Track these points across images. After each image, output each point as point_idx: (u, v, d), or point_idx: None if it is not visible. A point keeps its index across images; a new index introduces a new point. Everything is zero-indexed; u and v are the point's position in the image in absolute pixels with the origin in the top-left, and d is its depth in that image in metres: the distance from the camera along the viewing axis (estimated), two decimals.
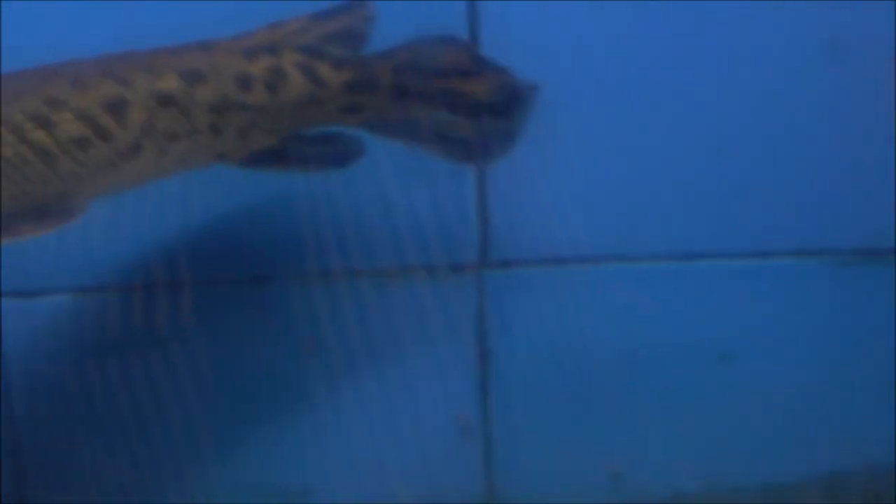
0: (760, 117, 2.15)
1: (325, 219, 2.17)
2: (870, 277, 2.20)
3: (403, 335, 2.21)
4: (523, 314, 2.22)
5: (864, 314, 2.21)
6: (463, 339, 2.22)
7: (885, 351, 2.21)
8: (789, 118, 2.15)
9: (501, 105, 1.96)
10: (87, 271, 2.20)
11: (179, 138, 1.83)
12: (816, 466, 2.26)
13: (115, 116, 1.79)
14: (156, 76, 1.81)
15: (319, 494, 2.29)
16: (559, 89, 2.10)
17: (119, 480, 2.27)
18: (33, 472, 2.28)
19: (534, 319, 2.22)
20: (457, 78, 1.96)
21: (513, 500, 2.28)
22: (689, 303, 2.23)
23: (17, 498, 2.28)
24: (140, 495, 2.28)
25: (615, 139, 2.17)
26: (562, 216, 2.18)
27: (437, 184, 2.15)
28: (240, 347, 2.23)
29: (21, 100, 1.75)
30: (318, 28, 1.93)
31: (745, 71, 2.13)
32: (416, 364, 2.23)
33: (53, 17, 2.09)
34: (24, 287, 2.21)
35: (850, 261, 2.20)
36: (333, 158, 2.02)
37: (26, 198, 1.77)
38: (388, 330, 2.21)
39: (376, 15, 1.95)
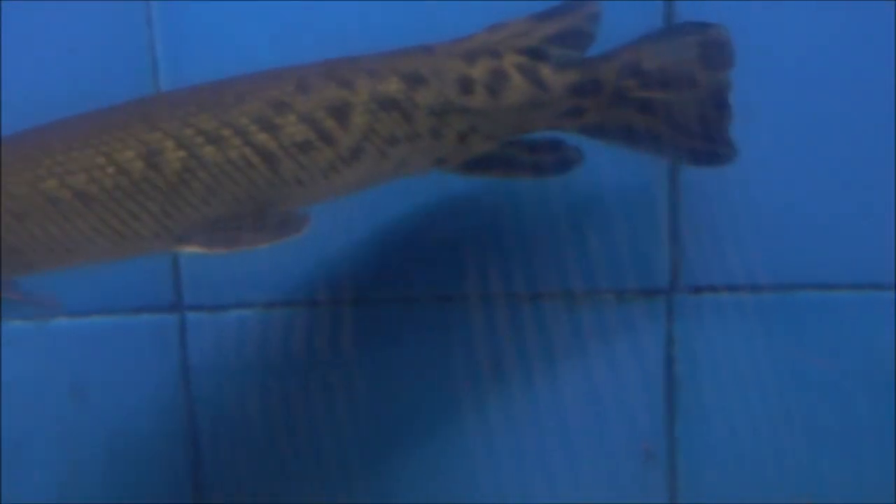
0: None
1: (513, 239, 2.15)
2: None
3: (591, 359, 2.18)
4: (713, 341, 2.16)
5: None
6: (651, 365, 2.17)
7: None
8: None
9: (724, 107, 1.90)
10: (275, 286, 2.20)
11: (400, 142, 1.81)
12: None
13: (338, 120, 1.78)
14: (378, 79, 1.80)
15: None
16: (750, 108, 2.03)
17: (296, 496, 2.27)
18: (213, 485, 2.29)
19: (723, 347, 2.16)
20: (681, 83, 1.89)
21: None
22: (877, 332, 2.15)
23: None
24: None
25: (809, 165, 2.10)
26: (753, 241, 2.13)
27: (629, 207, 2.11)
28: (422, 366, 2.20)
29: (245, 102, 1.76)
30: (541, 29, 1.89)
31: None
32: (603, 388, 2.18)
33: (274, 19, 2.09)
34: (211, 301, 2.21)
35: None
36: (553, 166, 1.98)
37: (248, 202, 1.77)
38: (576, 353, 2.17)
39: (601, 13, 1.90)
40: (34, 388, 2.25)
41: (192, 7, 2.11)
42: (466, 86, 1.83)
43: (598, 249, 2.13)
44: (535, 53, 1.87)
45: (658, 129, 1.90)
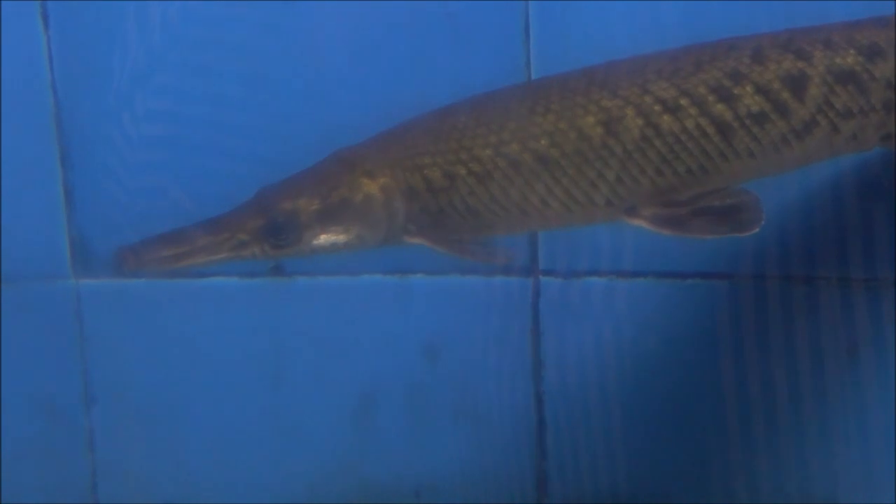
0: None
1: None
2: None
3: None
4: None
5: None
6: None
7: None
8: None
9: None
10: (625, 257, 2.21)
11: (854, 116, 1.79)
12: None
13: (794, 92, 1.76)
14: (835, 51, 1.78)
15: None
16: None
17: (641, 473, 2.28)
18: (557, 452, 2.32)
19: None
20: None
21: None
22: None
23: (539, 474, 2.33)
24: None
25: None
26: None
27: None
28: (784, 347, 2.18)
29: (703, 72, 1.76)
30: None
31: None
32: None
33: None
34: (564, 267, 2.24)
35: None
36: None
37: (700, 174, 1.77)
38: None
39: None
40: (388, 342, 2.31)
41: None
42: None
43: None
44: None
45: None
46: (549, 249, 2.23)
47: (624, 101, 1.75)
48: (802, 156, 1.81)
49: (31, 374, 2.37)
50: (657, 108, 1.75)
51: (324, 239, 1.80)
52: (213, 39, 2.22)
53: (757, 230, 1.74)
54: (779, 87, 1.75)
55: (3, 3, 2.21)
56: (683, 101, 1.74)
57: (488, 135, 1.77)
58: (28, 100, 2.25)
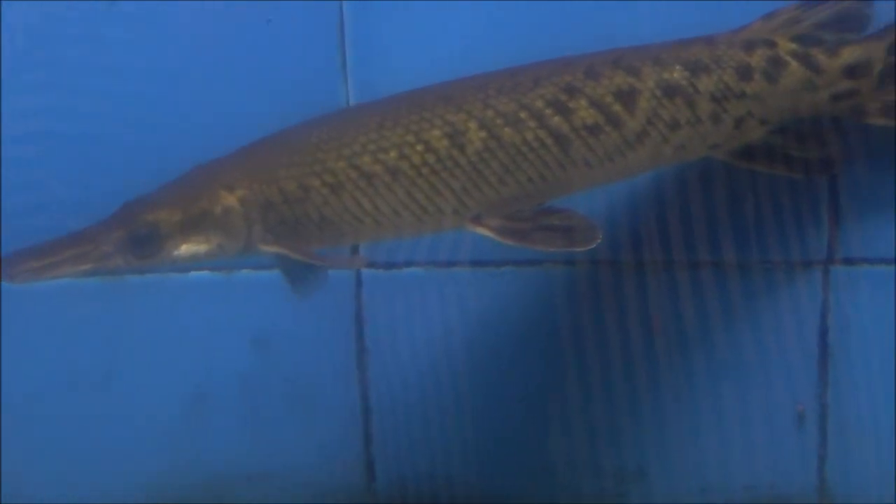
0: None
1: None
2: None
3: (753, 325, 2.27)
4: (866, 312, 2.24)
5: None
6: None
7: None
8: None
9: None
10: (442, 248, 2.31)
11: (681, 127, 1.93)
12: None
13: (626, 105, 1.91)
14: (663, 67, 1.93)
15: (654, 477, 2.36)
16: None
17: (467, 455, 2.39)
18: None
19: (875, 318, 2.23)
20: None
21: (843, 495, 2.30)
22: None
23: (367, 458, 2.42)
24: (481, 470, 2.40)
25: None
26: None
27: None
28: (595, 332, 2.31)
29: (540, 87, 1.90)
30: (812, 15, 1.98)
31: None
32: (761, 354, 2.27)
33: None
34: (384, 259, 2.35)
35: None
36: (814, 165, 2.07)
37: (540, 182, 1.91)
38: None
39: None
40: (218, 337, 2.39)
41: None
42: (745, 73, 1.94)
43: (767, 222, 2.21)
44: (809, 39, 1.97)
45: None
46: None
47: (467, 115, 1.88)
48: (636, 164, 1.96)
49: None
50: (499, 121, 1.88)
51: (185, 249, 1.90)
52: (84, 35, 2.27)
53: (592, 247, 1.88)
54: (611, 101, 1.90)
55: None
56: (523, 115, 1.88)
57: (341, 148, 1.89)
58: None
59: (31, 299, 2.36)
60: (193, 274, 2.36)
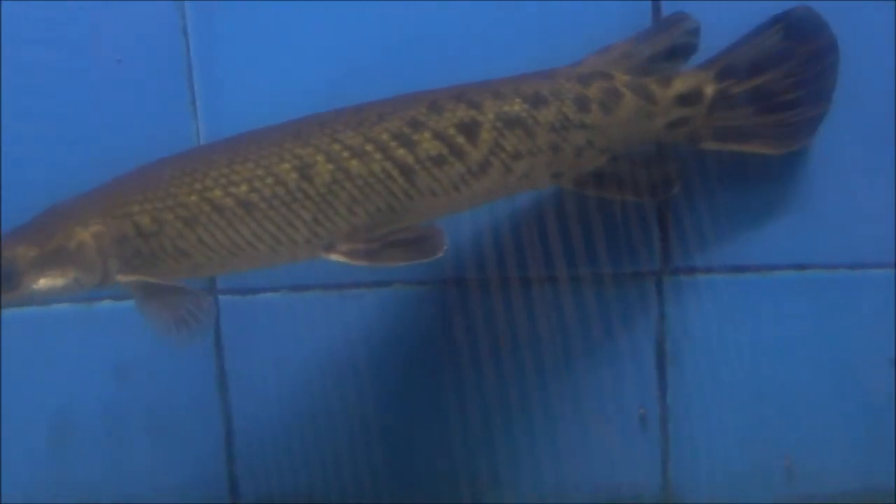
0: None
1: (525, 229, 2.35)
2: None
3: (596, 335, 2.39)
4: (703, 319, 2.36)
5: None
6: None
7: None
8: None
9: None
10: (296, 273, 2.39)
11: (523, 157, 2.03)
12: None
13: (468, 136, 2.00)
14: (503, 100, 2.02)
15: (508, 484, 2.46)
16: None
17: (327, 470, 2.47)
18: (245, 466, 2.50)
19: (714, 324, 2.36)
20: (778, 70, 2.09)
21: (687, 494, 2.42)
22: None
23: (231, 478, 2.49)
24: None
25: None
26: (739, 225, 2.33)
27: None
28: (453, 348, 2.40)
29: (385, 121, 1.99)
30: (644, 48, 2.09)
31: None
32: (607, 361, 2.40)
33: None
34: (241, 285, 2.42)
35: None
36: (657, 185, 2.19)
37: (388, 212, 1.99)
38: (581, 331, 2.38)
39: (698, 27, 2.09)
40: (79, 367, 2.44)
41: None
42: (583, 104, 2.05)
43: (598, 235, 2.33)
44: (642, 71, 2.08)
45: (773, 116, 2.11)
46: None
47: (315, 149, 1.96)
48: (482, 194, 2.05)
49: None
50: (345, 154, 1.96)
51: (42, 283, 1.97)
52: None
53: (440, 255, 1.97)
54: (454, 133, 1.99)
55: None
56: (368, 147, 1.97)
57: (193, 182, 1.96)
58: None
59: None
60: (55, 306, 2.40)
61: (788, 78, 2.10)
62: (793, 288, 2.33)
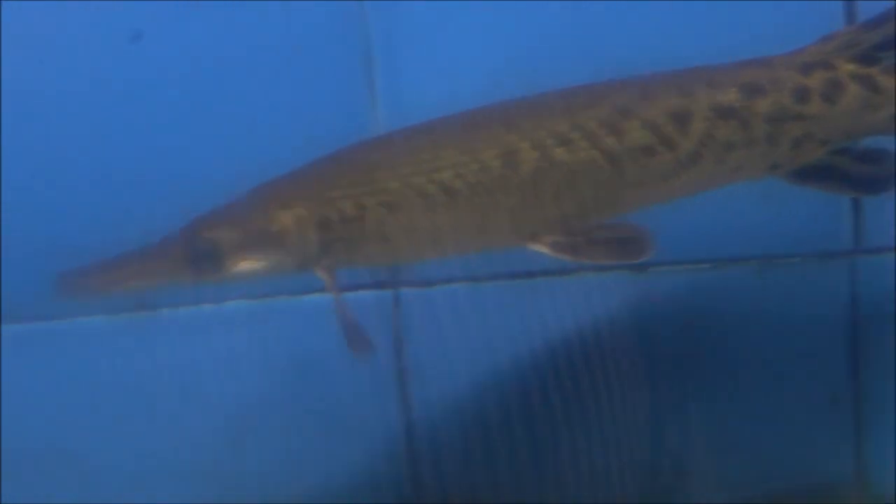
0: None
1: None
2: None
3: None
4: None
5: None
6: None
7: None
8: None
9: None
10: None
11: (736, 148, 1.96)
12: None
13: (679, 126, 1.93)
14: (717, 89, 1.95)
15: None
16: None
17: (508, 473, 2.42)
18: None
19: None
20: None
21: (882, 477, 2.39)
22: None
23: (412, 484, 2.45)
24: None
25: None
26: None
27: None
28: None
29: (594, 108, 1.92)
30: (870, 36, 2.01)
31: None
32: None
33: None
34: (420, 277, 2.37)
35: None
36: (875, 179, 2.09)
37: (593, 202, 1.93)
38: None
39: None
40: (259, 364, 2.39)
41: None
42: (802, 95, 1.97)
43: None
44: (867, 60, 2.00)
45: None
46: None
47: (521, 136, 1.90)
48: (692, 185, 1.98)
49: None
50: (551, 141, 1.90)
51: (243, 266, 1.92)
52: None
53: (646, 259, 1.91)
54: (664, 122, 1.92)
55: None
56: (575, 135, 1.90)
57: (397, 167, 1.91)
58: None
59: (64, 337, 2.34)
60: (229, 303, 2.35)
61: None
62: None
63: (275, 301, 2.37)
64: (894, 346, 2.34)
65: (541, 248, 1.95)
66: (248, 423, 2.41)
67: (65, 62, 2.27)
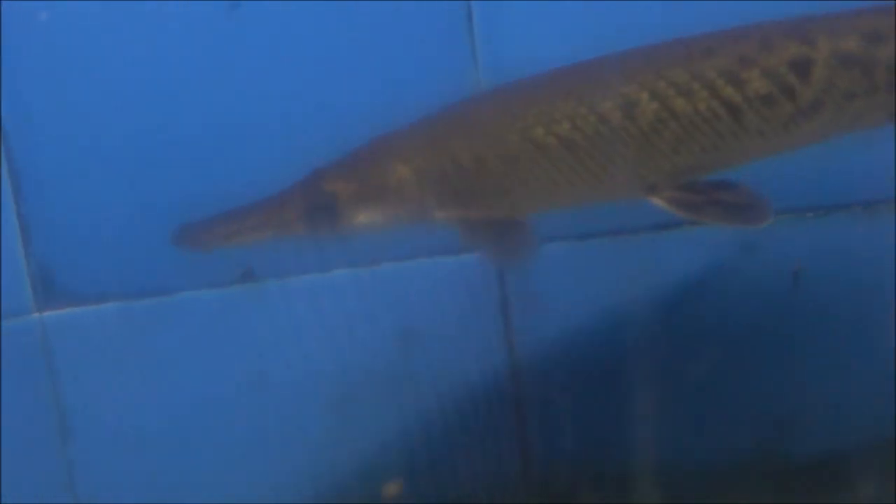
0: None
1: None
2: None
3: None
4: None
5: None
6: None
7: None
8: None
9: None
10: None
11: (858, 96, 1.93)
12: None
13: (800, 75, 1.90)
14: (838, 37, 1.92)
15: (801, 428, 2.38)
16: None
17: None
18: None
19: None
20: None
21: None
22: None
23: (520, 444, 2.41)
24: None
25: None
26: None
27: None
28: None
29: (713, 57, 1.91)
30: None
31: None
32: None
33: None
34: None
35: None
36: None
37: (713, 152, 1.92)
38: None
39: None
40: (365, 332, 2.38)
41: None
42: None
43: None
44: None
45: None
46: None
47: (640, 86, 1.89)
48: (811, 134, 1.95)
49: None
50: (671, 91, 1.89)
51: (362, 218, 1.95)
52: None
53: (762, 226, 1.91)
54: (785, 71, 1.89)
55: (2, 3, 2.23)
56: (695, 85, 1.89)
57: (514, 120, 1.92)
58: None
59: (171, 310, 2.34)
60: (335, 272, 2.35)
61: None
62: None
63: (379, 269, 2.36)
64: None
65: (658, 202, 1.94)
66: (355, 392, 2.39)
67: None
